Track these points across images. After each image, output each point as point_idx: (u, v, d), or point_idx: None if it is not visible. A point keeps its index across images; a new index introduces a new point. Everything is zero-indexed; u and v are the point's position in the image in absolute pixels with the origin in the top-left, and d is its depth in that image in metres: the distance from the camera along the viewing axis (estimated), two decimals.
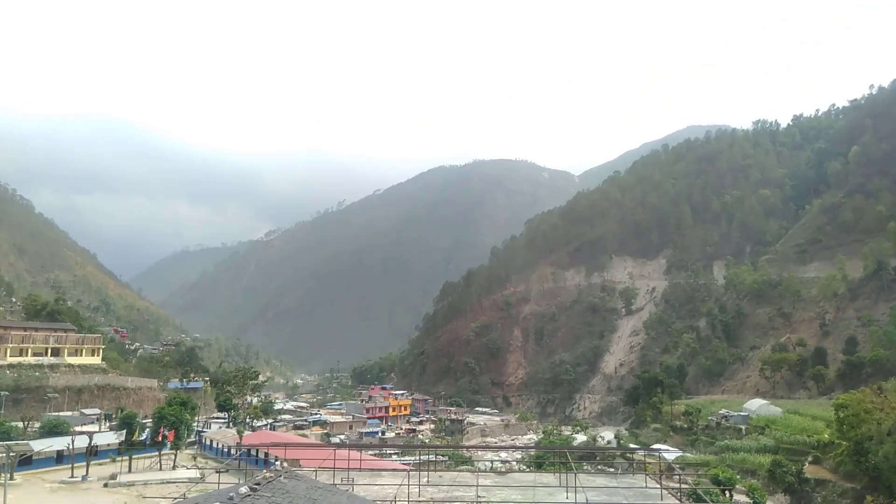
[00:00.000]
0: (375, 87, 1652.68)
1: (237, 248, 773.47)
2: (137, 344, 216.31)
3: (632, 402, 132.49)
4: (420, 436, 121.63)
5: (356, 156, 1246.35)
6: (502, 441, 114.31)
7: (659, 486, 28.30)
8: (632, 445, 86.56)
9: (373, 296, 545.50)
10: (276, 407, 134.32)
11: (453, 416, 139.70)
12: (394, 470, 36.71)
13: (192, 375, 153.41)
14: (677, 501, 25.56)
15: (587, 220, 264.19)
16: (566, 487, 26.91)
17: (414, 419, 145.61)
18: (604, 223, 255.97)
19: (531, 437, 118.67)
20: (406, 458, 74.53)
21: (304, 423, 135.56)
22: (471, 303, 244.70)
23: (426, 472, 30.54)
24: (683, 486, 32.86)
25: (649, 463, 55.47)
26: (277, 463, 37.00)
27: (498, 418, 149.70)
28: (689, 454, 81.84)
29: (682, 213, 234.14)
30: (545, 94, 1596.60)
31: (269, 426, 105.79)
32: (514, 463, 70.85)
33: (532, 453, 70.41)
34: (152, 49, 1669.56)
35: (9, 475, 31.25)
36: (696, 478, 52.14)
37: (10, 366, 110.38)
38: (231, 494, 16.18)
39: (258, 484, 17.76)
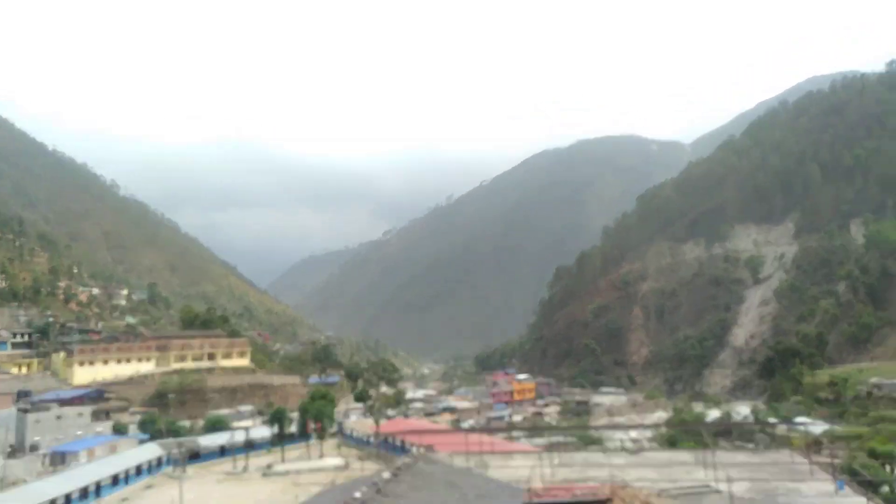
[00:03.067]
0: (475, 78, 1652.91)
1: (359, 250, 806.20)
2: (279, 345, 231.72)
3: (767, 374, 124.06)
4: (547, 418, 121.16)
5: (461, 149, 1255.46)
6: (630, 420, 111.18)
7: (808, 461, 26.36)
8: (772, 420, 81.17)
9: (488, 284, 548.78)
10: (407, 396, 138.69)
11: (578, 398, 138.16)
12: (524, 452, 36.82)
13: (328, 371, 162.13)
14: (829, 477, 23.68)
15: (703, 190, 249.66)
16: (704, 464, 25.75)
17: (539, 402, 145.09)
18: (721, 191, 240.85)
19: (661, 415, 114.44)
20: (535, 440, 74.52)
21: (434, 410, 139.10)
22: (586, 285, 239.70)
23: (556, 454, 30.34)
24: (836, 460, 30.40)
25: (793, 438, 51.82)
26: (414, 449, 38.36)
27: (624, 398, 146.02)
28: (837, 427, 75.47)
29: (810, 172, 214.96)
30: (645, 63, 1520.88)
31: (402, 414, 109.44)
32: (646, 442, 68.77)
33: (664, 431, 68.03)
34: (265, 67, 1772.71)
35: (182, 469, 34.79)
36: (850, 451, 48.00)
37: (175, 371, 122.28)
38: (375, 480, 17.02)
39: (399, 469, 18.56)
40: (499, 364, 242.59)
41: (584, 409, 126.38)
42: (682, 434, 60.86)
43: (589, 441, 68.75)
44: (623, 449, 38.94)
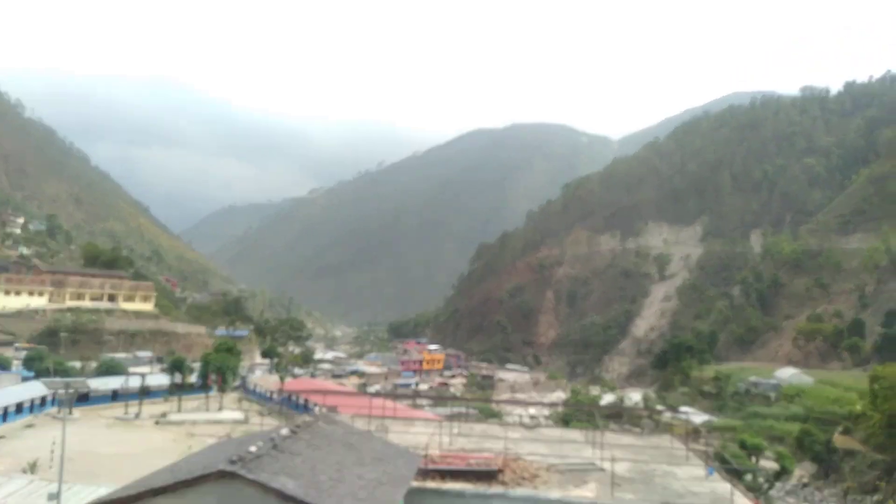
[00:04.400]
0: (416, 50, 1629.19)
1: (282, 205, 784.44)
2: (187, 293, 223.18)
3: (660, 365, 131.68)
4: (452, 389, 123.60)
5: (396, 119, 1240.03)
6: (531, 398, 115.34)
7: (685, 447, 28.21)
8: (659, 407, 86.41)
9: (410, 255, 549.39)
10: (316, 357, 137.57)
11: (485, 372, 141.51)
12: (426, 420, 37.42)
13: (237, 324, 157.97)
14: (702, 463, 25.47)
15: (624, 186, 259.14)
16: (592, 444, 27.04)
17: (447, 373, 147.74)
18: (641, 189, 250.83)
19: (559, 396, 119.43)
20: (438, 409, 75.92)
21: (342, 372, 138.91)
22: (505, 264, 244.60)
23: (457, 424, 31.00)
24: (709, 448, 32.70)
25: (675, 425, 55.37)
26: (317, 409, 38.12)
27: (528, 376, 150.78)
28: (715, 419, 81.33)
29: (722, 180, 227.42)
30: (585, 57, 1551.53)
31: (309, 374, 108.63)
32: (542, 419, 71.56)
33: (560, 410, 70.91)
34: (204, 12, 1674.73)
35: (68, 410, 33.10)
36: (723, 441, 51.88)
37: (70, 309, 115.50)
38: (273, 435, 16.71)
39: (298, 427, 18.29)
40: (412, 333, 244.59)
41: (488, 384, 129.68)
42: (577, 414, 63.73)
43: (490, 414, 70.78)
44: (520, 424, 40.30)
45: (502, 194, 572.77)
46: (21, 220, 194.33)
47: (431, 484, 19.94)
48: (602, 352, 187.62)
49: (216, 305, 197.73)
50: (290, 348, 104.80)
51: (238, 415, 62.65)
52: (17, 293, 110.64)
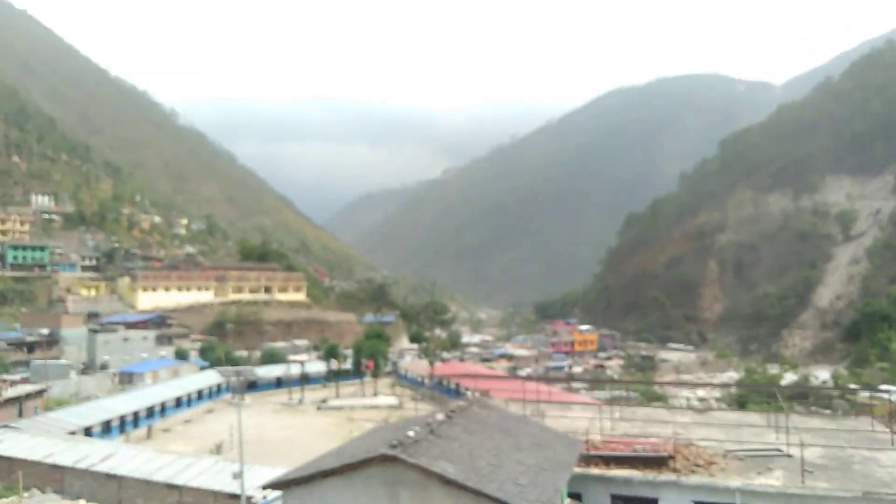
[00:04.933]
0: (543, 12, 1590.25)
1: (417, 188, 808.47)
2: (335, 282, 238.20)
3: (851, 338, 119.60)
4: (608, 371, 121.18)
5: (527, 85, 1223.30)
6: (699, 379, 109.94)
7: (889, 430, 25.47)
8: (853, 386, 78.54)
9: (552, 230, 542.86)
10: (463, 340, 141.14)
11: (644, 353, 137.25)
12: (584, 404, 37.05)
13: (383, 310, 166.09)
14: None
15: (793, 136, 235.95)
16: (776, 428, 25.25)
17: (601, 354, 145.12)
18: (814, 138, 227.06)
19: (731, 376, 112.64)
20: (595, 393, 74.89)
21: (491, 355, 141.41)
22: (659, 234, 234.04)
23: (618, 408, 30.36)
24: None
25: (875, 405, 49.99)
26: (469, 393, 39.22)
27: (693, 355, 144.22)
28: None
29: None
30: None
31: (457, 358, 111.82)
32: (713, 402, 68.02)
33: (733, 391, 66.99)
34: (327, 4, 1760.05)
35: (241, 396, 37.08)
36: None
37: (232, 302, 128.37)
38: (429, 420, 17.46)
39: (453, 412, 18.95)
40: (560, 313, 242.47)
41: (649, 365, 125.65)
42: (754, 396, 59.80)
43: (653, 397, 68.52)
44: (689, 407, 38.60)
45: (649, 157, 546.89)
46: (184, 222, 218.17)
47: (595, 470, 19.76)
48: (779, 325, 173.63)
49: (362, 293, 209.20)
50: (437, 332, 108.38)
51: (392, 400, 66.06)
52: (188, 289, 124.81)
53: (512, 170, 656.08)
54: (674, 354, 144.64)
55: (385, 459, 14.37)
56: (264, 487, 17.82)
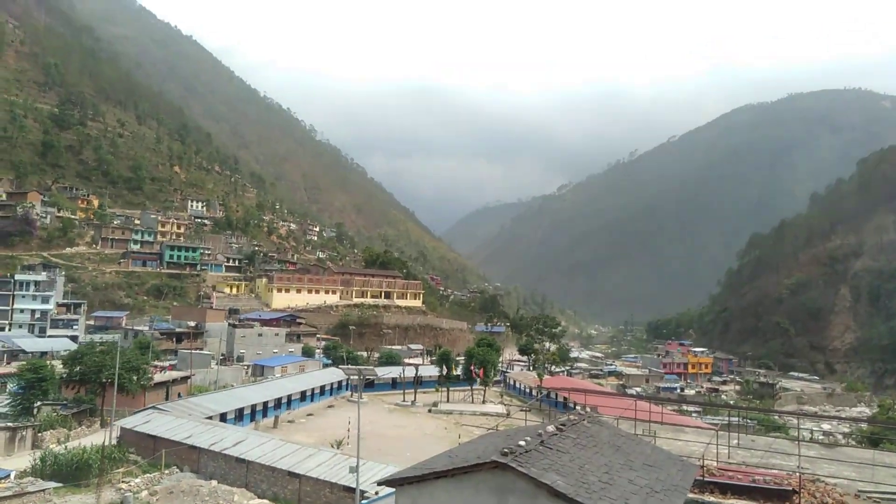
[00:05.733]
0: (667, 22, 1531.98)
1: (531, 203, 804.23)
2: (450, 290, 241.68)
3: None
4: (723, 396, 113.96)
5: (649, 100, 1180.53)
6: (824, 411, 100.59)
7: None
8: None
9: (669, 248, 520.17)
10: (572, 355, 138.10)
11: (763, 379, 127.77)
12: (698, 428, 34.98)
13: (494, 320, 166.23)
14: None
15: None
16: None
17: (716, 378, 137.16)
18: None
19: (862, 411, 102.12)
20: (708, 417, 70.60)
21: (600, 372, 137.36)
22: (784, 257, 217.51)
23: (736, 435, 28.31)
24: None
25: None
26: (578, 407, 38.17)
27: (819, 386, 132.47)
28: None
29: None
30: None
31: (565, 372, 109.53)
32: (840, 437, 61.94)
33: (865, 427, 60.65)
34: (448, 16, 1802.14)
35: (360, 395, 38.28)
36: None
37: (356, 305, 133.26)
38: (540, 431, 17.07)
39: (564, 425, 18.42)
40: (673, 333, 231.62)
41: (768, 393, 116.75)
42: (890, 433, 53.76)
43: (771, 426, 63.50)
44: (812, 440, 35.36)
45: (777, 177, 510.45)
46: (317, 229, 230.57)
47: (711, 498, 18.51)
48: None
49: (475, 302, 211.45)
50: (547, 345, 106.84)
51: (500, 408, 65.53)
52: (317, 291, 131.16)
53: (629, 186, 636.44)
54: (796, 383, 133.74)
55: (496, 466, 14.19)
56: (378, 483, 18.19)
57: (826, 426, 69.75)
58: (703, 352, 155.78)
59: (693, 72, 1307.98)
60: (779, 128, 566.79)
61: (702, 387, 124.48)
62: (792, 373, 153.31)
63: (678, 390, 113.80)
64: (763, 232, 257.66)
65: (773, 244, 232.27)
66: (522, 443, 15.45)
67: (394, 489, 16.77)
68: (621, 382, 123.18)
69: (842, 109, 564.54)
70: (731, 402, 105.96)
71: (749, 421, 71.97)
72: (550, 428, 17.84)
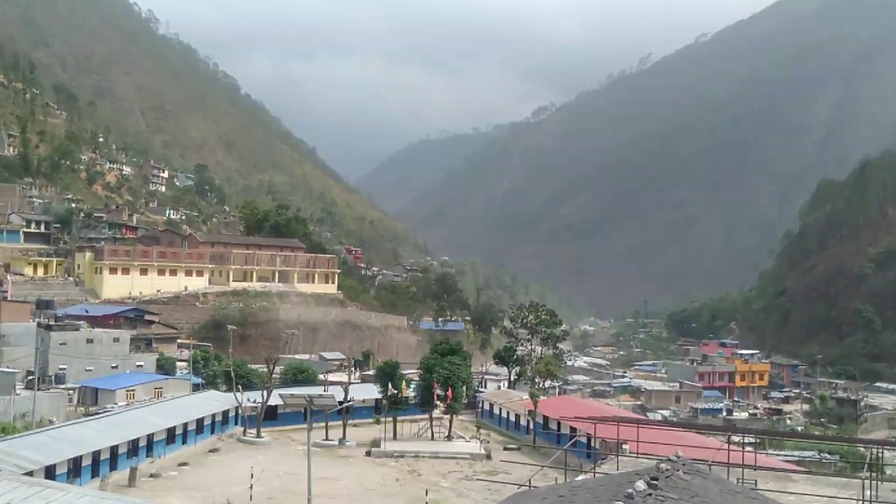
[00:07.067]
0: None
1: (493, 135, 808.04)
2: (375, 268, 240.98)
3: None
4: (788, 420, 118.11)
5: None
6: None
7: None
8: None
9: (695, 202, 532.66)
10: (566, 363, 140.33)
11: (841, 393, 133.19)
12: (793, 471, 35.73)
13: (448, 313, 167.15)
14: None
15: None
16: None
17: (774, 394, 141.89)
18: None
19: None
20: (777, 451, 72.85)
21: (607, 388, 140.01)
22: (867, 214, 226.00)
23: (866, 481, 28.83)
24: None
25: None
26: (625, 447, 38.33)
27: None
28: None
29: None
30: None
31: (556, 389, 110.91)
32: None
33: None
34: None
35: (308, 438, 37.25)
36: None
37: (234, 293, 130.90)
38: (630, 491, 16.63)
39: (655, 479, 18.04)
40: (707, 328, 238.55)
41: (848, 413, 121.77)
42: None
43: (860, 463, 65.89)
44: None
45: (854, 98, 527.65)
46: (164, 175, 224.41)
47: None
48: None
49: (415, 286, 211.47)
50: (536, 350, 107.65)
51: (473, 447, 65.82)
52: (173, 272, 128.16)
53: (639, 110, 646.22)
54: (886, 399, 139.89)
55: None
56: None
57: None
58: (754, 355, 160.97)
59: None
60: (854, 24, 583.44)
61: (756, 407, 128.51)
62: (879, 383, 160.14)
63: (724, 413, 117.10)
64: (836, 178, 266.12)
65: (852, 196, 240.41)
66: None
67: None
68: (639, 402, 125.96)
69: None
70: (798, 428, 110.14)
71: (827, 455, 74.69)
72: (640, 485, 17.38)
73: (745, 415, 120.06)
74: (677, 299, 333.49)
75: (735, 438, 56.47)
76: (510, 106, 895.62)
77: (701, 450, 35.29)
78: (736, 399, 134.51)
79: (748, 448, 48.69)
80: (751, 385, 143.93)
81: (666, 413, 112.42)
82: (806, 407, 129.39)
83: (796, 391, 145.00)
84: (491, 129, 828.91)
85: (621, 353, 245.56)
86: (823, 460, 77.36)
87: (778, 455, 68.14)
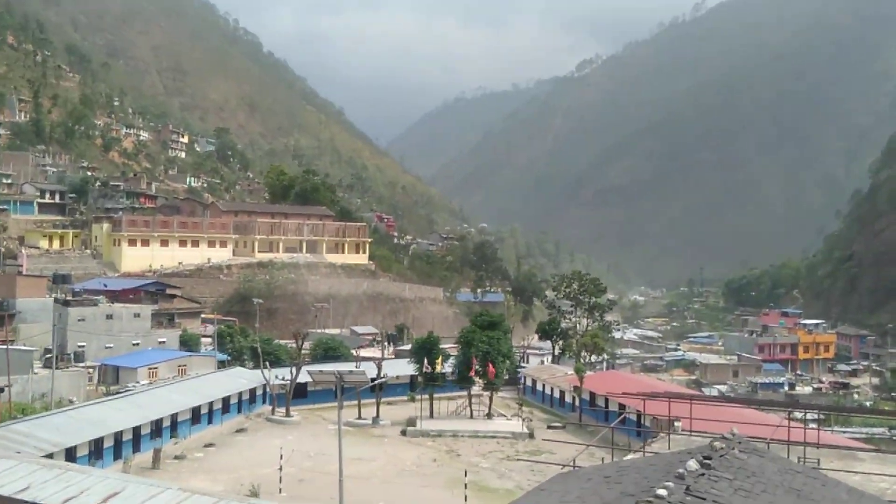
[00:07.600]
0: None
1: (534, 91, 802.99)
2: (408, 237, 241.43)
3: None
4: (855, 394, 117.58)
5: None
6: None
7: None
8: None
9: (755, 162, 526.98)
10: (615, 335, 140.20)
11: None
12: (860, 449, 35.52)
13: (487, 284, 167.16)
14: None
15: None
16: None
17: (842, 367, 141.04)
18: None
19: None
20: (844, 428, 72.65)
21: (659, 362, 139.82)
22: None
23: None
24: None
25: None
26: (677, 424, 38.28)
27: None
28: None
29: None
30: None
31: (605, 364, 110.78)
32: None
33: None
34: None
35: (339, 419, 37.59)
36: None
37: (260, 264, 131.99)
38: (681, 471, 16.68)
39: (709, 458, 18.08)
40: (767, 298, 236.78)
41: None
42: None
43: None
44: None
45: None
46: (185, 140, 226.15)
47: None
48: None
49: (451, 255, 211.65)
50: (581, 323, 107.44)
51: (515, 425, 66.11)
52: (195, 243, 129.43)
53: (692, 61, 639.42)
54: None
55: None
56: None
57: None
58: (819, 325, 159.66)
59: None
60: None
61: (821, 381, 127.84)
62: None
63: (786, 388, 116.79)
64: None
65: None
66: (664, 492, 15.01)
67: None
68: (694, 377, 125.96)
69: None
70: (868, 404, 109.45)
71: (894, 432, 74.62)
72: (692, 464, 17.42)
73: (808, 389, 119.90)
74: (735, 266, 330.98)
75: (797, 414, 56.42)
76: (552, 59, 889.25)
77: (759, 427, 35.15)
78: (799, 373, 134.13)
79: (811, 425, 48.27)
80: (815, 357, 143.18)
81: (722, 388, 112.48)
82: (875, 380, 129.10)
83: (864, 363, 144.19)
84: (532, 84, 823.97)
85: (674, 324, 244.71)
86: (894, 437, 77.09)
87: (844, 432, 68.03)
